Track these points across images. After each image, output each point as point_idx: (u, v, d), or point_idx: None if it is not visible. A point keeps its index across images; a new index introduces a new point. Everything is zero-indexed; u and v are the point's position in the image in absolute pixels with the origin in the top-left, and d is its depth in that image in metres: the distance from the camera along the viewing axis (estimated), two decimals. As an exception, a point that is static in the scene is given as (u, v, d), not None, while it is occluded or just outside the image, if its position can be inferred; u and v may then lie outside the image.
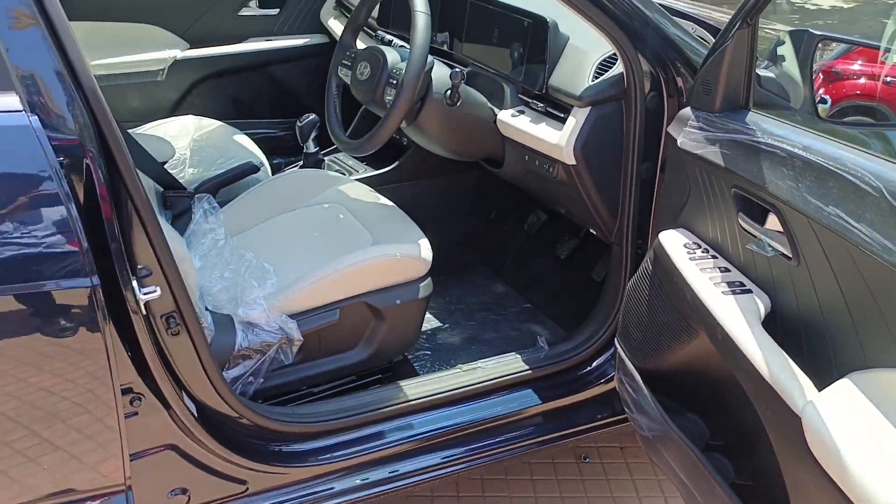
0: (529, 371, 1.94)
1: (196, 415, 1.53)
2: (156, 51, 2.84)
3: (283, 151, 3.04)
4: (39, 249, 1.19)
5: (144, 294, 1.35)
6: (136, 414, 1.45)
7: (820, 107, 1.80)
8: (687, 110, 1.58)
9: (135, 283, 1.33)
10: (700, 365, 1.47)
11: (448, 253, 2.46)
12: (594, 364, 2.00)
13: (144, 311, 1.38)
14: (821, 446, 1.06)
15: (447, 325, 2.37)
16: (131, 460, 1.43)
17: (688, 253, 1.48)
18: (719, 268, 1.43)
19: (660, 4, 1.84)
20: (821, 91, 1.80)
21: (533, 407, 1.93)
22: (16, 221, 1.17)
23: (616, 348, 1.77)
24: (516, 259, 2.61)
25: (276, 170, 2.93)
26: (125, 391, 1.41)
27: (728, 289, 1.36)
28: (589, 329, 2.02)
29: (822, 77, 1.95)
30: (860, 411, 1.05)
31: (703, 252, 1.48)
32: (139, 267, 1.37)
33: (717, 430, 1.52)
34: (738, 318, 1.28)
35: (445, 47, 2.27)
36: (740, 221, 1.39)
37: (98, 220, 1.27)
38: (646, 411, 1.63)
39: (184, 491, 1.58)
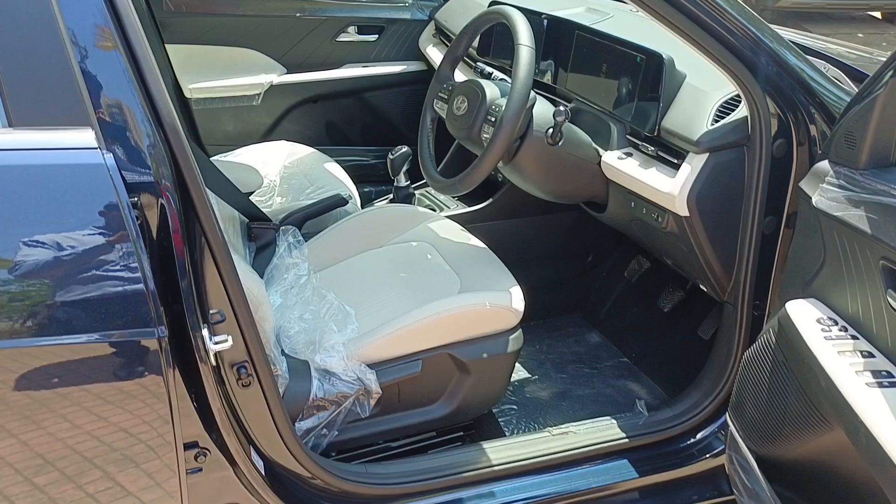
0: (626, 439, 1.77)
1: (263, 473, 1.43)
2: (253, 75, 2.82)
3: (374, 180, 2.97)
4: (103, 296, 1.11)
5: (215, 344, 1.26)
6: (200, 470, 1.36)
7: None
8: (824, 164, 1.39)
9: (205, 332, 1.24)
10: (832, 463, 1.26)
11: (541, 296, 2.31)
12: (699, 436, 1.81)
13: (214, 362, 1.29)
14: None
15: (536, 377, 2.21)
16: (193, 519, 1.34)
17: (822, 330, 1.28)
18: (861, 351, 1.22)
19: (788, 41, 1.66)
20: None
21: (629, 480, 1.75)
22: (80, 266, 1.09)
23: (728, 423, 1.58)
24: (614, 307, 2.43)
25: (366, 198, 2.85)
26: (189, 446, 1.32)
27: (874, 380, 1.16)
28: (694, 396, 1.83)
29: None
30: None
31: (840, 330, 1.28)
32: (212, 312, 1.28)
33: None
34: (890, 419, 1.08)
35: (548, 79, 2.14)
36: (889, 300, 1.19)
37: (171, 262, 1.19)
38: (760, 500, 1.43)
39: (247, 553, 1.48)
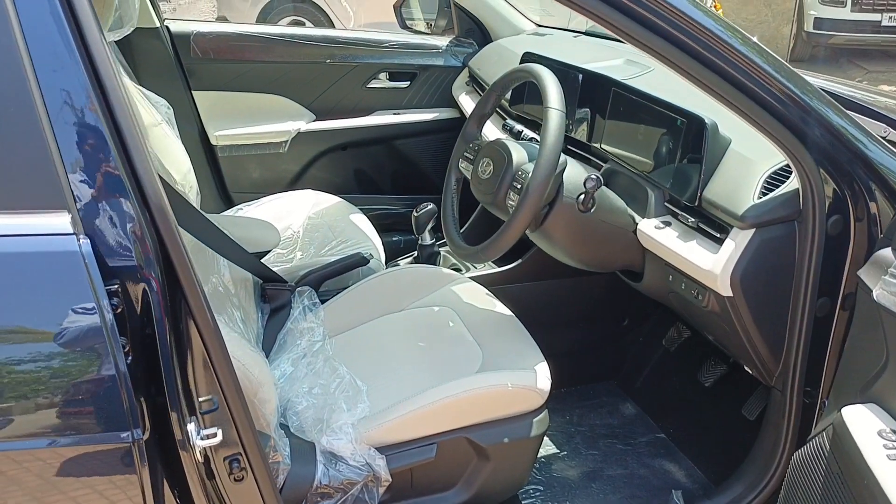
0: (660, 536, 1.61)
1: (256, 574, 1.31)
2: (281, 122, 2.75)
3: (403, 229, 2.87)
4: (74, 398, 1.01)
5: (202, 440, 1.15)
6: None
7: None
8: (886, 253, 1.23)
9: (191, 427, 1.13)
10: None
11: (572, 362, 2.18)
12: (741, 534, 1.64)
13: (202, 458, 1.18)
14: None
15: (565, 453, 2.06)
16: None
17: (885, 446, 1.12)
18: (931, 476, 1.06)
19: (834, 95, 1.51)
20: None
21: (662, 584, 1.59)
22: (50, 364, 1.00)
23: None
24: (651, 377, 2.27)
25: (394, 247, 2.75)
26: (171, 550, 1.21)
27: (947, 516, 1.00)
28: (737, 489, 1.67)
29: None
30: None
31: (905, 447, 1.12)
32: (202, 399, 1.17)
33: None
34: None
35: (583, 136, 2.01)
36: (966, 420, 1.03)
37: (153, 351, 1.09)
38: None
39: None
